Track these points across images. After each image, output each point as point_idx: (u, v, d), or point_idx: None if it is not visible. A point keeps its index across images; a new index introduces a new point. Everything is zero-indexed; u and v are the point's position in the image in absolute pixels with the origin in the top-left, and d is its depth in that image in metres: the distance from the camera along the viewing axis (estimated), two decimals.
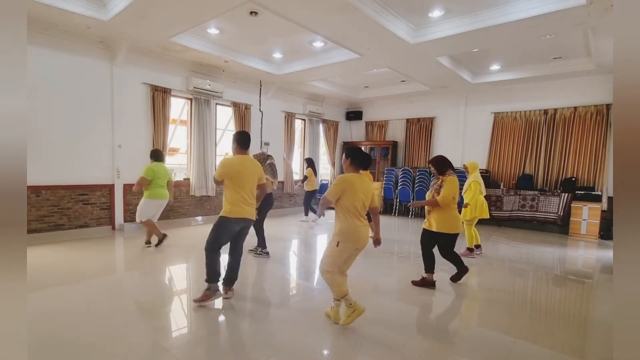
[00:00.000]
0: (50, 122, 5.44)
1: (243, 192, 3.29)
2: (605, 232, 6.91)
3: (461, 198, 4.82)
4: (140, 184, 4.97)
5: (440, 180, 3.90)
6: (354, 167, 2.93)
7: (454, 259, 4.03)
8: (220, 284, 3.40)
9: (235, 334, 2.76)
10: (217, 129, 7.88)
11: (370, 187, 2.95)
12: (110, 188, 6.17)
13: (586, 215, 7.00)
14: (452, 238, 3.90)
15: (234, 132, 3.70)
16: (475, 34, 5.11)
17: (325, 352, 2.60)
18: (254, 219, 3.45)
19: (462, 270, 4.04)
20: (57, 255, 4.74)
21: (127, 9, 4.60)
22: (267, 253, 4.96)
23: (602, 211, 6.97)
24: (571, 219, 7.17)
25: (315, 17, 4.69)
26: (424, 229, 3.99)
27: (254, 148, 8.48)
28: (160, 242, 5.23)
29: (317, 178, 8.47)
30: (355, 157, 2.92)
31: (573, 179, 7.45)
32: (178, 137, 7.76)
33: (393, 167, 9.94)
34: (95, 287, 3.66)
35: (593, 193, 7.06)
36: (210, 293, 3.26)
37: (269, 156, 4.95)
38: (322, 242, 6.32)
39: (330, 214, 3.40)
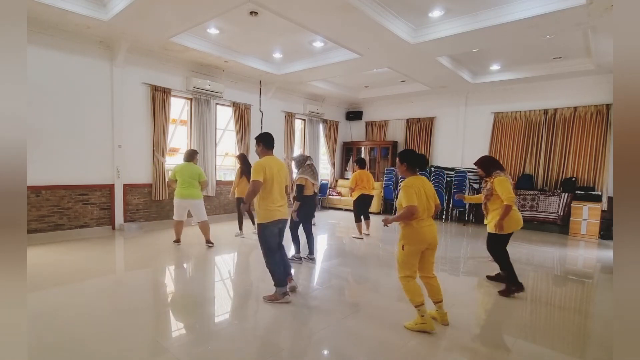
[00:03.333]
0: (51, 122, 5.43)
1: (273, 194, 3.24)
2: (605, 232, 6.91)
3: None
4: (169, 185, 5.20)
5: (487, 184, 3.75)
6: (411, 170, 2.92)
7: (505, 263, 3.76)
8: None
9: (235, 334, 2.75)
10: (217, 129, 7.88)
11: (431, 187, 2.92)
12: (110, 188, 6.17)
13: (586, 215, 7.00)
14: (502, 238, 3.76)
15: (256, 135, 3.55)
16: (475, 34, 5.11)
17: (326, 352, 2.59)
18: (287, 217, 3.43)
19: (513, 285, 3.68)
20: (57, 255, 4.74)
21: (127, 9, 4.60)
22: (300, 259, 4.75)
23: (602, 211, 6.97)
24: (571, 219, 7.17)
25: (315, 17, 4.69)
26: (489, 233, 3.86)
27: (253, 148, 8.47)
28: (175, 241, 5.44)
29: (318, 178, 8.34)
30: (409, 160, 2.92)
31: (573, 179, 7.45)
32: (178, 137, 7.76)
33: (393, 167, 9.93)
34: (95, 287, 3.67)
35: (593, 193, 7.06)
36: (277, 295, 3.33)
37: (308, 157, 4.83)
38: (321, 244, 6.31)
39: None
